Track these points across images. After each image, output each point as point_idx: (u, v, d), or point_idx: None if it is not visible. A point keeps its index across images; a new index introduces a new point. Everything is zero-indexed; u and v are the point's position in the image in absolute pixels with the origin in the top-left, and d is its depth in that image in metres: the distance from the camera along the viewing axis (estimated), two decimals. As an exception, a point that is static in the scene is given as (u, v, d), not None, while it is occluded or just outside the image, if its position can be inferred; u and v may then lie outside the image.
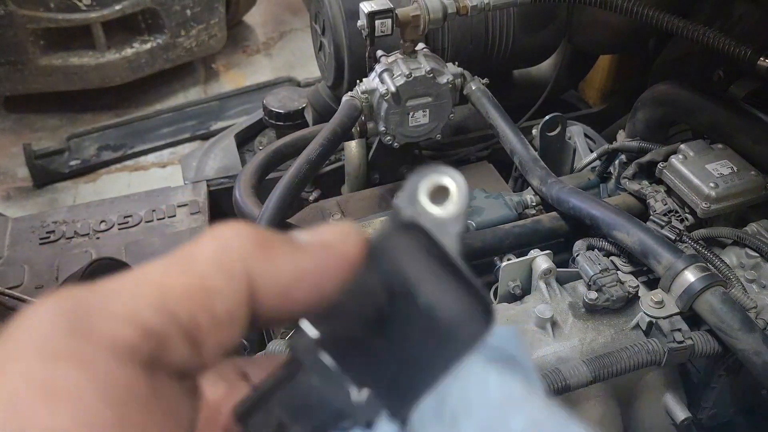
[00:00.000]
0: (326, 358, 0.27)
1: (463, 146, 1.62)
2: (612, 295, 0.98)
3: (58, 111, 3.04)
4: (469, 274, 0.28)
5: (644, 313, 0.96)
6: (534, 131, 1.41)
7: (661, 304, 0.96)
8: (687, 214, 1.16)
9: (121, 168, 2.78)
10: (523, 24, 1.54)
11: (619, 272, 1.04)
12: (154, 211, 1.54)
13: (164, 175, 2.72)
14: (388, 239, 0.28)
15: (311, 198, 1.59)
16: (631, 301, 1.01)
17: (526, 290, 1.08)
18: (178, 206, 1.56)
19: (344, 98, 1.33)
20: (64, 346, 0.23)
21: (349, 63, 1.47)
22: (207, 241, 0.27)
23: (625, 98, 1.85)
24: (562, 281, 1.06)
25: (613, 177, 1.34)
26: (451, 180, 0.28)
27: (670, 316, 0.95)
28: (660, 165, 1.20)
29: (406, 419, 0.27)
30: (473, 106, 1.38)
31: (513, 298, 1.08)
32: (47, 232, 1.49)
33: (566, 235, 1.19)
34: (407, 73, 1.25)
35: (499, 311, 1.02)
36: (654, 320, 0.95)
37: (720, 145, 1.21)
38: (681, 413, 0.99)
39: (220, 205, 1.66)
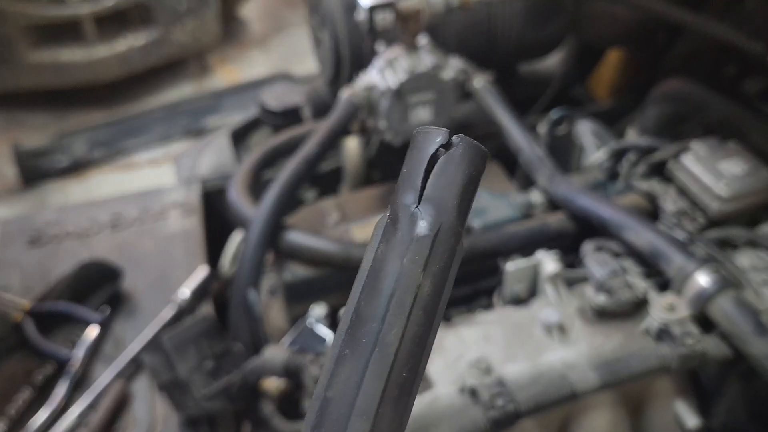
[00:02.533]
0: None
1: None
2: (621, 298, 0.97)
3: (48, 108, 3.01)
4: None
5: (654, 317, 0.94)
6: (540, 128, 1.39)
7: (671, 307, 0.94)
8: (698, 215, 1.14)
9: (113, 166, 2.74)
10: (528, 17, 1.52)
11: (628, 275, 1.01)
12: (146, 212, 1.51)
13: (157, 174, 2.68)
14: None
15: (310, 198, 1.56)
16: (640, 304, 0.99)
17: (532, 293, 1.06)
18: (171, 207, 1.52)
19: (343, 95, 1.30)
20: None
21: (349, 58, 1.43)
22: None
23: (634, 94, 1.82)
24: (569, 284, 1.03)
25: (622, 175, 1.32)
26: None
27: (681, 320, 0.93)
28: (670, 163, 1.18)
29: None
30: (477, 102, 1.35)
31: (518, 301, 1.06)
32: (37, 234, 1.46)
33: (573, 236, 1.17)
34: (409, 68, 1.22)
35: (504, 315, 0.99)
36: (664, 324, 0.93)
37: (732, 144, 1.18)
38: (692, 421, 0.97)
39: (215, 206, 1.62)
